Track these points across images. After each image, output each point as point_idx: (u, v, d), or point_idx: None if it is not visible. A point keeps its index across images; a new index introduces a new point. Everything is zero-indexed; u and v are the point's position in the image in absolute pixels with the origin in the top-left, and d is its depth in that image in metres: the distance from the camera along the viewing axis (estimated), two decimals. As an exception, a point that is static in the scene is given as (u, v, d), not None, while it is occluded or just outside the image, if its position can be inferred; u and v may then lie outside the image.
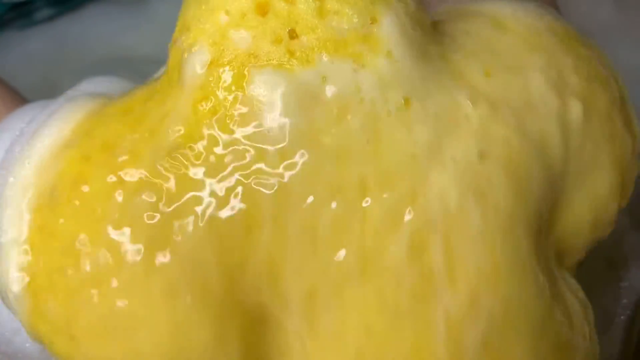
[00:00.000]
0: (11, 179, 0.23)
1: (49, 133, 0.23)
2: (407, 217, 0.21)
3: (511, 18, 0.24)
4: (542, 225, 0.23)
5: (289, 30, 0.21)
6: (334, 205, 0.20)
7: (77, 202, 0.21)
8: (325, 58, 0.21)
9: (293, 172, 0.20)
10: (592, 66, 0.24)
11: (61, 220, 0.22)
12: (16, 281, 0.22)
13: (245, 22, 0.21)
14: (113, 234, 0.21)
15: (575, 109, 0.23)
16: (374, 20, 0.21)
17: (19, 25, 0.41)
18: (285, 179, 0.20)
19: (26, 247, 0.22)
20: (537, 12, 0.25)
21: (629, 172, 0.24)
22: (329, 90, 0.21)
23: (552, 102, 0.23)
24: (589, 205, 0.24)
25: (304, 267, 0.21)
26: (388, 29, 0.21)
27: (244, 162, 0.20)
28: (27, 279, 0.22)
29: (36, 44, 0.41)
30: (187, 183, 0.21)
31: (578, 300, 0.24)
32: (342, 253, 0.21)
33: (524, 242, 0.22)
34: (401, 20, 0.22)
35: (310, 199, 0.20)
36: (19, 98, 0.30)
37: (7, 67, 0.37)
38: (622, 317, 0.32)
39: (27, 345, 0.25)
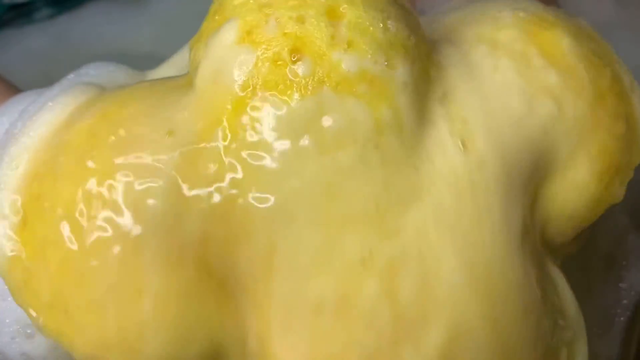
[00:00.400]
0: (13, 147, 0.23)
1: (54, 110, 0.23)
2: (384, 254, 0.20)
3: (493, 29, 0.24)
4: (526, 225, 0.22)
5: (292, 52, 0.20)
6: (315, 234, 0.20)
7: (80, 176, 0.21)
8: (326, 91, 0.20)
9: (282, 195, 0.20)
10: (574, 58, 0.24)
11: (61, 191, 0.21)
12: (6, 253, 0.22)
13: (251, 38, 0.21)
14: (114, 211, 0.21)
15: (546, 108, 0.23)
16: (390, 65, 0.21)
17: (18, 23, 0.41)
18: (273, 200, 0.20)
19: (19, 217, 0.22)
20: (516, 14, 0.24)
21: (619, 158, 0.24)
22: (326, 123, 0.20)
23: (518, 109, 0.22)
24: (567, 194, 0.23)
25: (282, 288, 0.21)
26: (400, 77, 0.21)
27: (238, 175, 0.20)
28: (18, 251, 0.22)
29: (35, 42, 0.40)
30: (194, 179, 0.21)
31: (565, 295, 0.24)
32: (317, 284, 0.20)
33: (510, 267, 0.21)
34: (414, 70, 0.21)
35: (295, 224, 0.20)
36: (13, 89, 0.30)
37: (6, 64, 0.37)
38: (622, 318, 0.32)
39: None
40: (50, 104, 0.23)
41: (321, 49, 0.20)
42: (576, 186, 0.23)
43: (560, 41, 0.24)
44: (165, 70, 0.27)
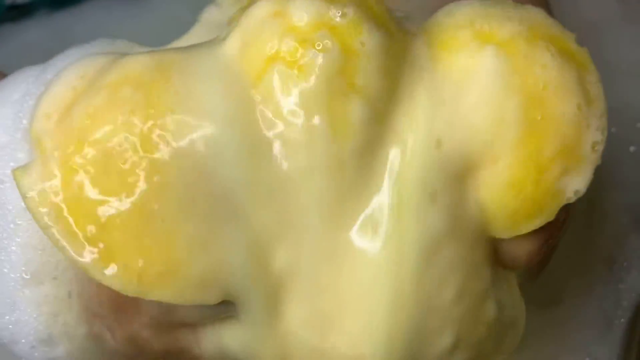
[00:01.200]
0: (46, 95, 0.22)
1: (85, 62, 0.23)
2: (332, 249, 0.21)
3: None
4: (455, 222, 0.22)
5: (320, 38, 0.20)
6: (312, 215, 0.21)
7: (123, 111, 0.21)
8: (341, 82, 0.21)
9: (286, 168, 0.21)
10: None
11: (102, 126, 0.21)
12: (39, 188, 0.21)
13: (284, 13, 0.21)
14: (160, 149, 0.20)
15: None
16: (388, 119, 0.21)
17: (18, 19, 0.41)
18: (286, 167, 0.21)
19: (54, 153, 0.21)
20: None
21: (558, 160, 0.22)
22: (342, 109, 0.21)
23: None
24: (498, 183, 0.22)
25: (280, 258, 0.21)
26: (402, 131, 0.21)
27: (261, 133, 0.21)
28: (50, 186, 0.21)
29: (34, 37, 0.40)
30: (236, 135, 0.21)
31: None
32: (280, 255, 0.21)
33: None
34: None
35: (289, 198, 0.21)
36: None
37: (5, 60, 0.37)
38: (622, 320, 0.32)
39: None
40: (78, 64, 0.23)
41: (351, 48, 0.21)
42: (501, 173, 0.22)
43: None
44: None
